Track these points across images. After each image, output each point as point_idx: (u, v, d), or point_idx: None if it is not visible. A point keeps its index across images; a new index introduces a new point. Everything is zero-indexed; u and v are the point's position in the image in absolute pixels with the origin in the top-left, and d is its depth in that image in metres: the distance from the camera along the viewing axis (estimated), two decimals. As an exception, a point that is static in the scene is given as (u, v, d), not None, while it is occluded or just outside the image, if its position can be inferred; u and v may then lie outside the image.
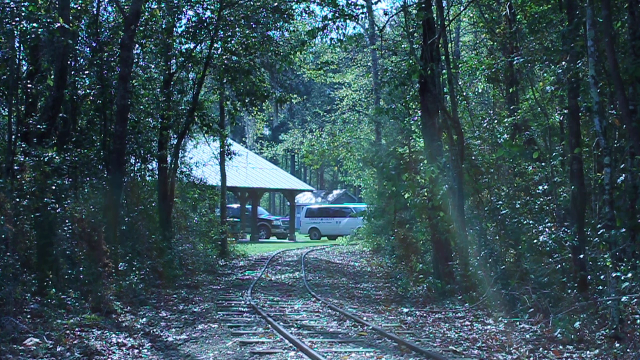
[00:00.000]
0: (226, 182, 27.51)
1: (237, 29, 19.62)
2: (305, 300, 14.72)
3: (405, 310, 13.23)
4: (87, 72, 16.19)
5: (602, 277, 10.05)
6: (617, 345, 8.77)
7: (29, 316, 10.02)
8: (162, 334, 10.73)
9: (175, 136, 19.49)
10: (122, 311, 12.03)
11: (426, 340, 10.10)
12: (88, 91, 15.83)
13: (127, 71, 14.52)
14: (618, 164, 10.68)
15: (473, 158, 14.92)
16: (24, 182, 11.62)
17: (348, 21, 17.16)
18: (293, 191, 46.22)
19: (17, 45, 12.65)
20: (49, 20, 11.99)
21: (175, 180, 19.49)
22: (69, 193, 13.29)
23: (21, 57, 13.43)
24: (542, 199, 13.52)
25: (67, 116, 14.57)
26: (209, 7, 19.22)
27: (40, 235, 11.74)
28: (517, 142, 14.76)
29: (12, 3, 11.52)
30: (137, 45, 17.20)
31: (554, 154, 13.14)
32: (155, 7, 18.05)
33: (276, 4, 20.13)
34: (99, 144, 15.94)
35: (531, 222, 13.01)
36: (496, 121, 15.26)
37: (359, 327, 11.26)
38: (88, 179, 15.12)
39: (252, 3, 19.98)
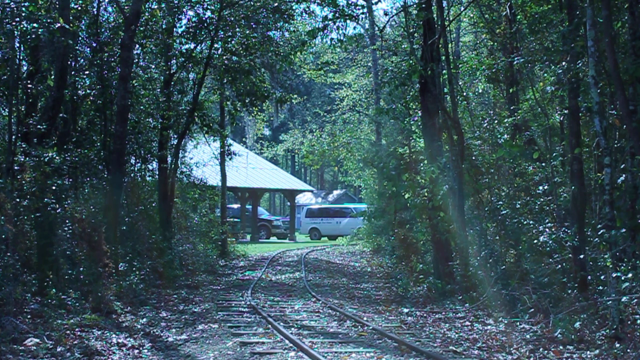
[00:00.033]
0: (226, 182, 27.51)
1: (237, 29, 19.62)
2: (305, 300, 14.72)
3: (405, 310, 13.23)
4: (87, 72, 16.19)
5: (602, 277, 10.05)
6: (617, 345, 8.77)
7: (29, 316, 10.02)
8: (162, 334, 10.73)
9: (175, 136, 19.49)
10: (122, 311, 12.03)
11: (426, 340, 10.10)
12: (88, 91, 15.83)
13: (127, 71, 14.52)
14: (618, 164, 10.68)
15: (473, 158, 14.92)
16: (24, 182, 11.62)
17: (348, 21, 17.17)
18: (293, 191, 46.22)
19: (17, 45, 12.65)
20: (49, 20, 11.99)
21: (175, 180, 19.49)
22: (69, 193, 13.28)
23: (21, 57, 13.43)
24: (542, 199, 13.52)
25: (67, 116, 14.57)
26: (209, 7, 19.22)
27: (40, 235, 11.74)
28: (517, 142, 14.76)
29: (12, 3, 11.52)
30: (137, 45, 17.20)
31: (554, 154, 13.14)
32: (155, 7, 18.05)
33: (276, 4, 20.13)
34: (99, 144, 15.94)
35: (531, 222, 13.01)
36: (496, 121, 15.26)
37: (359, 327, 11.26)
38: (88, 179, 15.12)
39: (252, 3, 19.98)
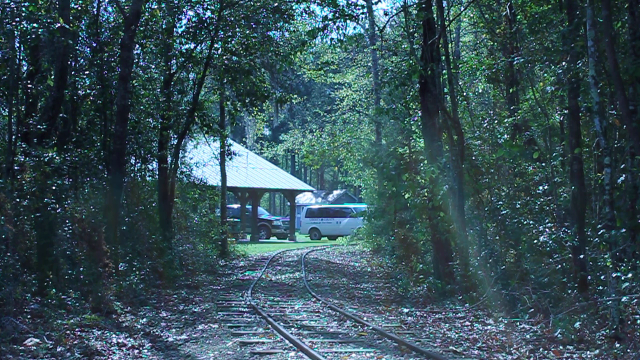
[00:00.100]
0: (226, 182, 27.51)
1: (237, 29, 19.62)
2: (305, 300, 14.72)
3: (405, 310, 13.23)
4: (87, 72, 16.19)
5: (602, 277, 10.05)
6: (617, 345, 8.77)
7: (29, 316, 10.02)
8: (162, 334, 10.73)
9: (175, 136, 19.49)
10: (122, 311, 12.03)
11: (426, 340, 10.10)
12: (88, 91, 15.83)
13: (127, 71, 14.52)
14: (618, 164, 10.68)
15: (473, 158, 14.92)
16: (24, 182, 11.62)
17: (348, 21, 17.17)
18: (293, 191, 46.22)
19: (17, 45, 12.65)
20: (49, 20, 11.99)
21: (175, 180, 19.49)
22: (69, 193, 13.28)
23: (21, 57, 13.43)
24: (542, 199, 13.52)
25: (67, 116, 14.57)
26: (209, 7, 19.22)
27: (40, 235, 11.74)
28: (517, 142, 14.76)
29: (12, 3, 11.52)
30: (137, 45, 17.20)
31: (554, 154, 13.13)
32: (155, 7, 18.05)
33: (276, 4, 20.12)
34: (99, 144, 15.94)
35: (531, 222, 13.01)
36: (496, 121, 15.26)
37: (359, 327, 11.26)
38: (88, 179, 15.12)
39: (252, 3, 19.98)
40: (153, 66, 18.70)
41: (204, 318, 12.23)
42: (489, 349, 9.38)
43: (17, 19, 11.62)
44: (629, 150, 10.35)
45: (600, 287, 10.07)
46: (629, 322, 9.06)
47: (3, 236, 10.29)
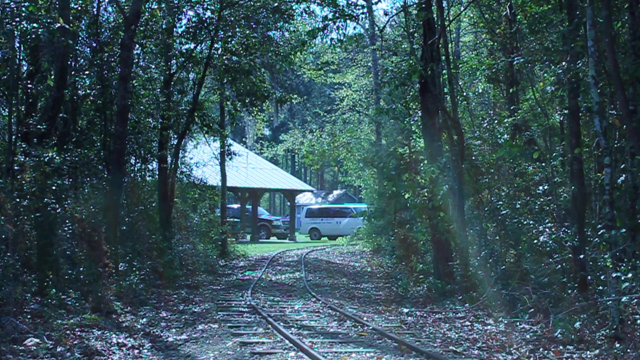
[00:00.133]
0: (226, 182, 27.51)
1: (237, 29, 19.62)
2: (305, 300, 14.72)
3: (405, 310, 13.23)
4: (87, 72, 16.19)
5: (602, 277, 10.05)
6: (617, 345, 8.77)
7: (29, 316, 10.02)
8: (162, 334, 10.73)
9: (175, 136, 19.49)
10: (122, 311, 12.03)
11: (426, 340, 10.10)
12: (88, 91, 15.83)
13: (127, 71, 14.52)
14: (618, 164, 10.68)
15: (473, 158, 14.92)
16: (24, 182, 11.62)
17: (348, 21, 17.17)
18: (293, 191, 46.22)
19: (17, 45, 12.65)
20: (49, 20, 11.99)
21: (175, 180, 19.49)
22: (69, 193, 13.29)
23: (21, 57, 13.43)
24: (542, 199, 13.52)
25: (67, 116, 14.57)
26: (209, 7, 19.22)
27: (40, 235, 11.74)
28: (517, 142, 14.76)
29: (12, 3, 11.52)
30: (137, 45, 17.20)
31: (554, 154, 13.14)
32: (155, 7, 18.05)
33: (276, 4, 20.13)
34: (99, 144, 15.94)
35: (531, 222, 13.01)
36: (496, 121, 15.26)
37: (359, 327, 11.26)
38: (88, 179, 15.12)
39: (252, 3, 19.98)
40: (153, 66, 18.70)
41: (204, 318, 12.23)
42: (489, 349, 9.38)
43: (17, 19, 11.62)
44: (629, 150, 10.35)
45: (600, 287, 10.07)
46: (629, 322, 9.06)
47: (3, 236, 10.29)
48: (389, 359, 8.85)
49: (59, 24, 12.02)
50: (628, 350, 8.54)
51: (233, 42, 19.80)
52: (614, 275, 9.29)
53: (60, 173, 12.58)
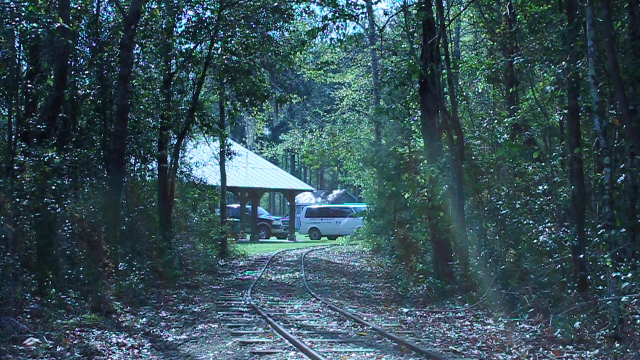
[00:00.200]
0: (226, 182, 27.51)
1: (237, 29, 19.62)
2: (305, 300, 14.72)
3: (405, 310, 13.23)
4: (87, 72, 16.20)
5: (602, 277, 10.05)
6: (617, 345, 8.77)
7: (29, 316, 10.02)
8: (162, 334, 10.73)
9: (175, 136, 19.49)
10: (122, 311, 12.03)
11: (426, 340, 10.10)
12: (88, 91, 15.83)
13: (127, 71, 14.52)
14: (618, 164, 10.69)
15: (473, 158, 14.92)
16: (24, 182, 11.62)
17: (348, 21, 17.17)
18: (293, 191, 46.22)
19: (17, 45, 12.65)
20: (49, 20, 11.99)
21: (175, 180, 19.49)
22: (69, 193, 13.29)
23: (21, 57, 13.42)
24: (542, 199, 13.52)
25: (67, 116, 14.57)
26: (209, 7, 19.22)
27: (40, 235, 11.74)
28: (517, 142, 14.76)
29: (12, 3, 11.52)
30: (137, 45, 17.20)
31: (554, 154, 13.14)
32: (155, 7, 18.05)
33: (276, 4, 20.13)
34: (99, 144, 15.94)
35: (531, 222, 13.01)
36: (496, 121, 15.26)
37: (359, 327, 11.26)
38: (88, 179, 15.12)
39: (252, 3, 19.98)
40: (153, 66, 18.71)
41: (204, 318, 12.23)
42: (489, 349, 9.38)
43: (17, 19, 11.62)
44: (629, 150, 10.35)
45: (600, 287, 10.07)
46: (629, 322, 9.06)
47: (3, 236, 10.29)
48: (389, 359, 8.85)
49: (59, 24, 12.02)
50: (628, 350, 8.54)
51: (233, 42, 19.80)
52: (614, 275, 9.29)
53: (60, 173, 12.59)
